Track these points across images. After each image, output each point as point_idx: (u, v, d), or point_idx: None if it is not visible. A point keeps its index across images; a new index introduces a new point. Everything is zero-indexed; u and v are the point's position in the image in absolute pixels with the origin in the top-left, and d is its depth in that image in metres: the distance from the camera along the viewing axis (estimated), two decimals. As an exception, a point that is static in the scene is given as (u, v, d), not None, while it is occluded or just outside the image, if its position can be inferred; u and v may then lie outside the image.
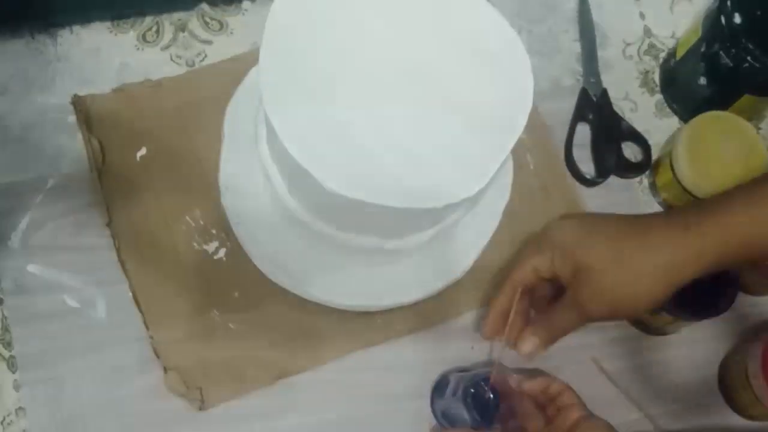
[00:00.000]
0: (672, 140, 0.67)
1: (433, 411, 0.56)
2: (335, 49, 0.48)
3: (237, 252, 0.58)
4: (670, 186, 0.64)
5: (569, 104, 0.68)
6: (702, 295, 0.55)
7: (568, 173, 0.66)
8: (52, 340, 0.55)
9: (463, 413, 0.53)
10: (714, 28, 0.62)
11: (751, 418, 0.61)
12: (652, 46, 0.72)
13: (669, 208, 0.66)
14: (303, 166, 0.44)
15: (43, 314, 0.55)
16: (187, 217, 0.59)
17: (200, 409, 0.55)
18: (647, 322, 0.61)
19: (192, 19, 0.65)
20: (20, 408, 0.54)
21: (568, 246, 0.50)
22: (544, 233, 0.53)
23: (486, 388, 0.53)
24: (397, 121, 0.47)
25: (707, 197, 0.54)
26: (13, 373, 0.54)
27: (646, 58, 0.71)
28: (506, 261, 0.61)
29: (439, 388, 0.56)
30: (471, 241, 0.58)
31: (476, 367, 0.58)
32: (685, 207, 0.54)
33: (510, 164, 0.60)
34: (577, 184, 0.66)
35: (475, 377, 0.54)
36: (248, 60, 0.62)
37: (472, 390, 0.53)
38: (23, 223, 0.58)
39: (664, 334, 0.62)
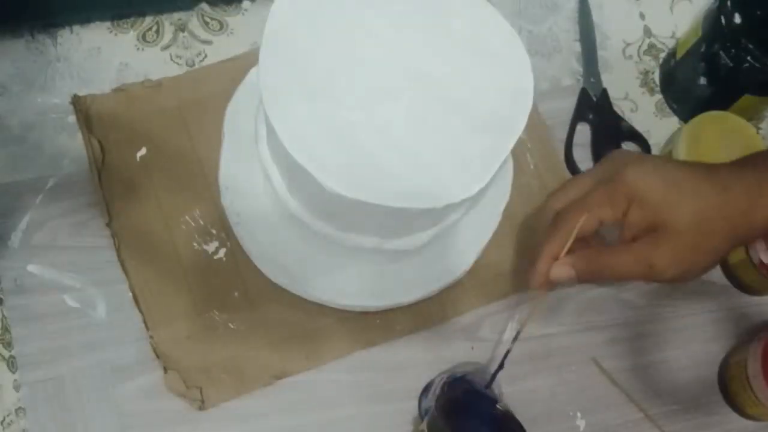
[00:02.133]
0: (672, 140, 0.67)
1: (419, 410, 0.56)
2: (335, 49, 0.48)
3: (237, 252, 0.58)
4: (670, 186, 0.64)
5: (569, 104, 0.68)
6: None
7: (568, 173, 0.66)
8: (52, 340, 0.55)
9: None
10: (714, 28, 0.62)
11: (751, 418, 0.61)
12: (652, 46, 0.72)
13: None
14: (303, 166, 0.44)
15: (43, 314, 0.55)
16: (187, 217, 0.59)
17: (200, 409, 0.55)
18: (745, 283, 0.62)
19: (192, 19, 0.65)
20: (20, 408, 0.54)
21: (651, 202, 0.45)
22: (620, 180, 0.46)
23: (456, 387, 0.53)
24: (397, 121, 0.47)
25: None
26: (13, 373, 0.54)
27: (646, 58, 0.72)
28: (506, 261, 0.61)
29: (426, 388, 0.56)
30: (471, 241, 0.58)
31: (466, 368, 0.58)
32: (754, 156, 0.49)
33: (510, 164, 0.60)
34: (577, 184, 0.66)
35: (449, 377, 0.54)
36: (248, 60, 0.62)
37: (443, 390, 0.53)
38: (23, 223, 0.58)
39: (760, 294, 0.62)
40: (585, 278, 0.47)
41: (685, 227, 0.45)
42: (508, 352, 0.54)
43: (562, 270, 0.47)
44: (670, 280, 0.48)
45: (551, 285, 0.49)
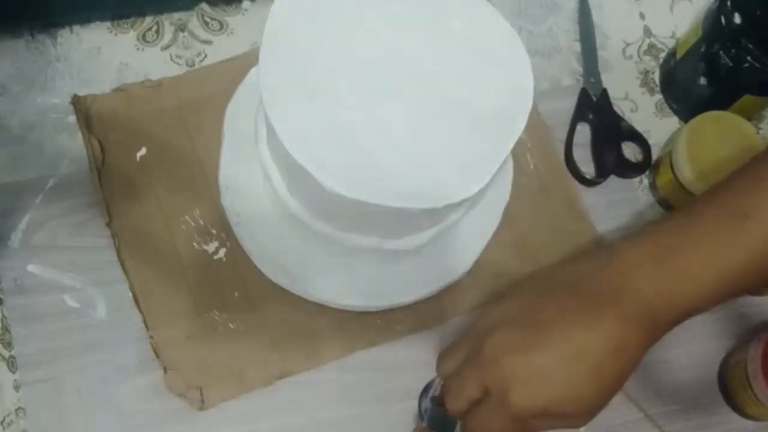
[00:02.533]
0: (672, 140, 0.67)
1: (419, 410, 0.56)
2: (335, 49, 0.48)
3: (237, 252, 0.58)
4: (670, 186, 0.64)
5: (569, 104, 0.68)
6: None
7: (568, 173, 0.66)
8: (52, 340, 0.55)
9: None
10: (714, 28, 0.62)
11: (751, 418, 0.61)
12: (652, 46, 0.72)
13: (661, 215, 0.66)
14: (303, 166, 0.44)
15: (43, 314, 0.55)
16: (187, 217, 0.59)
17: (200, 409, 0.55)
18: None
19: (192, 19, 0.65)
20: (20, 408, 0.54)
21: (547, 414, 0.44)
22: (509, 407, 0.44)
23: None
24: (397, 121, 0.47)
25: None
26: (13, 373, 0.54)
27: (646, 58, 0.72)
28: (506, 261, 0.61)
29: (426, 388, 0.56)
30: (471, 241, 0.58)
31: None
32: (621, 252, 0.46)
33: (510, 164, 0.60)
34: (577, 184, 0.66)
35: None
36: (248, 60, 0.62)
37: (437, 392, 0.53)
38: (23, 223, 0.58)
39: None
40: None
41: (584, 412, 0.45)
42: None
43: None
44: None
45: None
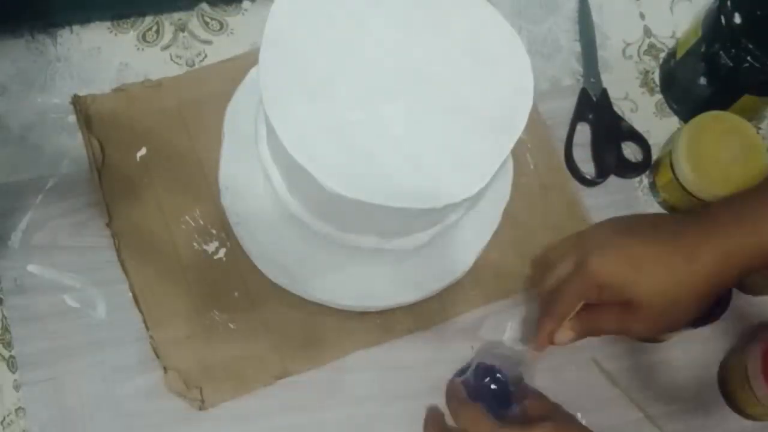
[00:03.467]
0: (672, 140, 0.67)
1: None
2: (335, 49, 0.48)
3: (237, 252, 0.58)
4: (670, 186, 0.64)
5: (569, 104, 0.68)
6: None
7: (568, 173, 0.66)
8: (52, 340, 0.55)
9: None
10: (714, 28, 0.62)
11: (750, 418, 0.61)
12: (652, 46, 0.72)
13: (675, 211, 0.66)
14: (303, 166, 0.44)
15: (43, 314, 0.55)
16: (187, 217, 0.59)
17: (200, 409, 0.55)
18: None
19: (192, 19, 0.65)
20: (20, 408, 0.54)
21: (616, 286, 0.50)
22: (585, 272, 0.51)
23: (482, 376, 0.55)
24: (397, 121, 0.47)
25: (738, 194, 0.54)
26: (13, 373, 0.54)
27: (646, 58, 0.71)
28: (506, 261, 0.61)
29: (462, 371, 0.57)
30: (471, 241, 0.58)
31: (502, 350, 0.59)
32: (716, 210, 0.52)
33: (510, 164, 0.60)
34: (577, 184, 0.66)
35: (479, 364, 0.56)
36: (248, 60, 0.62)
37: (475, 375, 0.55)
38: (23, 223, 0.58)
39: (659, 341, 0.62)
40: (583, 336, 0.53)
41: (650, 301, 0.50)
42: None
43: (564, 335, 0.53)
44: (646, 340, 0.61)
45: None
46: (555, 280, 0.53)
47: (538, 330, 0.53)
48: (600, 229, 0.54)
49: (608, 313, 0.52)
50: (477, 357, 0.57)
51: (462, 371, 0.57)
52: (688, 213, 0.56)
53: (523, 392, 0.55)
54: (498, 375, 0.55)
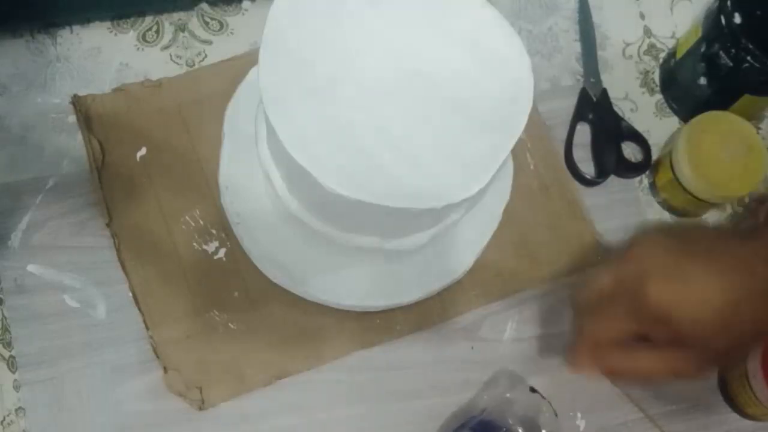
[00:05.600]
0: (672, 140, 0.67)
1: None
2: (335, 49, 0.47)
3: (237, 252, 0.58)
4: (670, 186, 0.64)
5: (569, 104, 0.68)
6: None
7: (568, 173, 0.66)
8: (52, 340, 0.55)
9: None
10: (714, 28, 0.62)
11: (750, 418, 0.61)
12: (652, 46, 0.72)
13: (670, 211, 0.66)
14: (303, 166, 0.44)
15: (43, 314, 0.55)
16: (187, 217, 0.59)
17: (200, 409, 0.55)
18: None
19: (192, 19, 0.65)
20: (20, 408, 0.54)
21: (676, 321, 0.45)
22: (644, 299, 0.45)
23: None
24: (397, 121, 0.47)
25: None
26: (13, 373, 0.54)
27: (646, 58, 0.71)
28: (506, 261, 0.61)
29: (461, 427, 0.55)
30: (471, 241, 0.58)
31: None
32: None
33: (510, 164, 0.60)
34: (577, 184, 0.66)
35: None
36: (248, 60, 0.62)
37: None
38: (23, 223, 0.58)
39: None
40: (611, 375, 0.49)
41: (711, 341, 0.45)
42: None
43: (586, 369, 0.49)
44: (696, 379, 0.54)
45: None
46: (595, 294, 0.48)
47: (574, 352, 0.49)
48: (653, 247, 0.47)
49: (653, 356, 0.46)
50: (481, 402, 0.56)
51: (462, 426, 0.55)
52: (740, 231, 0.51)
53: None
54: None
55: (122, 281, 0.57)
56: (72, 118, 0.61)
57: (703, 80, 0.65)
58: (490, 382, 0.58)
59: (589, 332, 0.48)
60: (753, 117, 0.67)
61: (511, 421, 0.54)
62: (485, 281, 0.61)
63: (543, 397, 0.55)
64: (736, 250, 0.46)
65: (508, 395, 0.55)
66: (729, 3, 0.61)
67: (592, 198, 0.65)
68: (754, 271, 0.44)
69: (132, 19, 0.65)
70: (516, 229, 0.62)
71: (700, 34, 0.64)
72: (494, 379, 0.58)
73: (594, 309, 0.48)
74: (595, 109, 0.68)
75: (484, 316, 0.60)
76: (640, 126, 0.68)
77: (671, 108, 0.70)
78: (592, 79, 0.69)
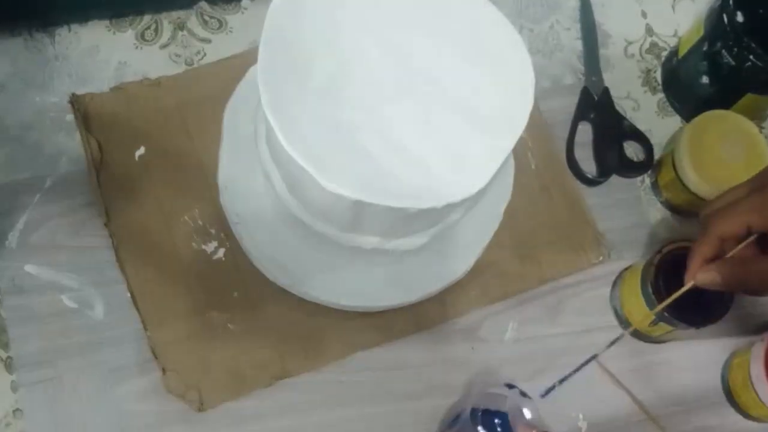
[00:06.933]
0: (674, 139, 0.66)
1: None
2: (334, 49, 0.47)
3: (236, 252, 0.58)
4: (672, 185, 0.64)
5: (571, 103, 0.68)
6: (698, 304, 0.54)
7: (570, 173, 0.66)
8: (50, 341, 0.55)
9: None
10: (716, 27, 0.62)
11: (754, 419, 0.60)
12: (654, 44, 0.72)
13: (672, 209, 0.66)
14: (303, 166, 0.44)
15: (41, 314, 0.55)
16: (186, 217, 0.59)
17: (199, 410, 0.55)
18: (645, 332, 0.61)
19: (191, 18, 0.65)
20: (17, 409, 0.53)
21: None
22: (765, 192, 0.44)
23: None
24: (397, 121, 0.46)
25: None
26: (11, 374, 0.54)
27: (648, 56, 0.71)
28: (506, 261, 0.61)
29: (455, 419, 0.54)
30: (471, 241, 0.58)
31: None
32: None
33: (511, 164, 0.59)
34: (579, 183, 0.65)
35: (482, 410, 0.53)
36: (247, 59, 0.62)
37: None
38: (21, 223, 0.57)
39: (660, 342, 0.61)
40: (730, 284, 0.47)
41: None
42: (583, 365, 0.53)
43: (706, 276, 0.47)
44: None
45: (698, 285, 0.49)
46: (723, 202, 0.47)
47: (691, 255, 0.48)
48: None
49: (763, 263, 0.45)
50: (468, 401, 0.54)
51: (455, 419, 0.55)
52: None
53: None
54: (497, 420, 0.52)
55: (120, 281, 0.57)
56: (70, 117, 0.61)
57: (705, 79, 0.65)
58: (468, 385, 0.58)
59: (714, 227, 0.46)
60: (755, 116, 0.67)
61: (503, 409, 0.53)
62: (485, 281, 0.61)
63: (523, 394, 0.54)
64: None
65: (490, 391, 0.55)
66: (731, 2, 0.60)
67: (593, 197, 0.65)
68: None
69: (130, 17, 0.64)
70: (517, 229, 0.62)
71: (702, 33, 0.64)
72: (472, 383, 0.58)
73: (722, 211, 0.47)
74: (596, 108, 0.67)
75: (484, 317, 0.60)
76: (642, 125, 0.68)
77: (673, 107, 0.70)
78: (593, 78, 0.69)
